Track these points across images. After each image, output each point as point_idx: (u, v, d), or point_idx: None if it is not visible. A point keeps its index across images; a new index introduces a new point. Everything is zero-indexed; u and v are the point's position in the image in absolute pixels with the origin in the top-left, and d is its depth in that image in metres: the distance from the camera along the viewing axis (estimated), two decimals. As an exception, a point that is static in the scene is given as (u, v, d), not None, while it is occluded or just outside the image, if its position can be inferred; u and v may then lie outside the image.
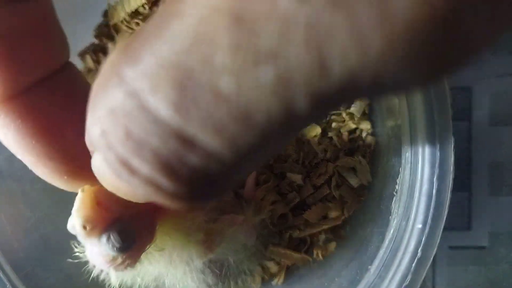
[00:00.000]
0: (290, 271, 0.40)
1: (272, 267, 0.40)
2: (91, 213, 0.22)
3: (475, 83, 0.39)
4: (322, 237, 0.40)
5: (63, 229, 0.22)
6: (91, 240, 0.22)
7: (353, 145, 0.39)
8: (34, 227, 0.35)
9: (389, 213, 0.31)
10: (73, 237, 0.23)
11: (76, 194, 0.22)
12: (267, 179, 0.40)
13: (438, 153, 0.27)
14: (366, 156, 0.39)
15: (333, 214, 0.39)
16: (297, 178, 0.40)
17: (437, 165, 0.27)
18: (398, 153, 0.31)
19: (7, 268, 0.32)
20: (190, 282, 0.28)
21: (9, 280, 0.31)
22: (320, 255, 0.39)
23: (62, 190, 0.22)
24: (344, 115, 0.39)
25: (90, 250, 0.24)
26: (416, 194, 0.28)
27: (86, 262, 0.25)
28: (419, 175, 0.28)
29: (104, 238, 0.22)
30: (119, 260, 0.23)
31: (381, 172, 0.37)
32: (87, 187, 0.22)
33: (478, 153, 0.39)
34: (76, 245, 0.25)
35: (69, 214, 0.22)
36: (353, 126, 0.39)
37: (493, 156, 0.39)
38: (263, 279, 0.40)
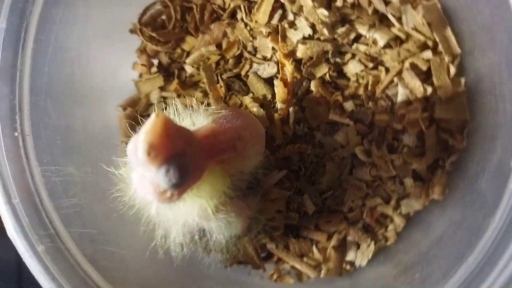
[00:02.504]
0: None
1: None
2: (158, 140, 0.22)
3: None
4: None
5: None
6: (148, 168, 0.22)
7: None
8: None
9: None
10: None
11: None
12: (289, 188, 0.40)
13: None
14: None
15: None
16: (309, 205, 0.41)
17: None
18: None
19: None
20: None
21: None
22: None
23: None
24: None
25: (140, 177, 0.24)
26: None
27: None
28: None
29: (163, 170, 0.22)
30: (168, 194, 0.23)
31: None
32: (161, 112, 0.22)
33: None
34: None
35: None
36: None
37: None
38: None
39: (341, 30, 0.40)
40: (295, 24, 0.41)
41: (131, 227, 0.33)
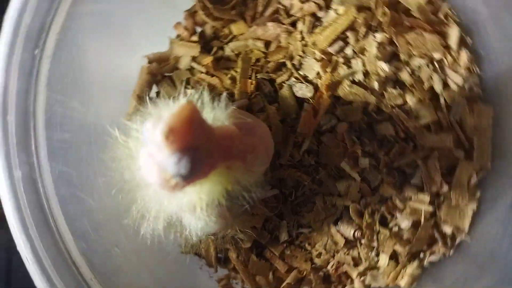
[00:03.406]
0: None
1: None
2: (182, 127, 0.21)
3: None
4: None
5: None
6: (161, 150, 0.21)
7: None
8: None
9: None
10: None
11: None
12: (273, 209, 0.41)
13: None
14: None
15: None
16: (284, 233, 0.42)
17: None
18: None
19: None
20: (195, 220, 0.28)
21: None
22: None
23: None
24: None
25: (149, 155, 0.23)
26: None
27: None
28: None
29: (175, 157, 0.21)
30: (172, 182, 0.23)
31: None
32: (193, 101, 0.22)
33: None
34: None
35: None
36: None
37: None
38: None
39: (391, 90, 0.38)
40: (350, 63, 0.39)
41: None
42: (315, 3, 0.40)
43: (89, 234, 0.36)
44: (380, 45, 0.38)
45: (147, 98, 0.44)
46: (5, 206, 0.33)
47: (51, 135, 0.37)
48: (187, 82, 0.44)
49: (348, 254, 0.41)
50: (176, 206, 0.27)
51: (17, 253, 0.33)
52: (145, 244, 0.35)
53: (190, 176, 0.22)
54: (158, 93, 0.45)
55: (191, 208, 0.27)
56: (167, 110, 0.22)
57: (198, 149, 0.22)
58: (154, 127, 0.21)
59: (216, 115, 0.29)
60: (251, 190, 0.32)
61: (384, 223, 0.39)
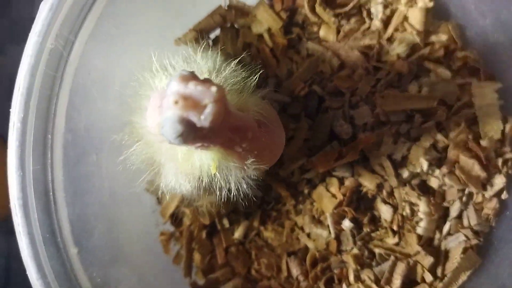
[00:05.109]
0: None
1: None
2: (196, 104, 0.21)
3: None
4: None
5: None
6: (169, 107, 0.21)
7: None
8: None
9: None
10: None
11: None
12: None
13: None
14: None
15: None
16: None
17: None
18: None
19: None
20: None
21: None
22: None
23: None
24: None
25: (158, 98, 0.24)
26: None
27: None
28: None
29: (173, 120, 0.21)
30: (158, 131, 0.23)
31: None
32: (224, 92, 0.22)
33: None
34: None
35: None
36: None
37: None
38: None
39: (407, 189, 0.38)
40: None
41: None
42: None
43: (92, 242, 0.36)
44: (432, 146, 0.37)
45: (206, 37, 0.42)
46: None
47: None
48: (248, 46, 0.42)
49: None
50: (165, 155, 0.28)
51: (15, 260, 0.32)
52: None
53: (175, 143, 0.22)
54: (215, 40, 0.43)
55: (204, 170, 0.28)
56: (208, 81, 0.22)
57: (198, 130, 0.22)
58: (176, 84, 0.21)
59: (248, 97, 0.29)
60: (235, 181, 0.32)
61: None
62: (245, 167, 0.28)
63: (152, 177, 0.35)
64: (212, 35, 0.43)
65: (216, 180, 0.29)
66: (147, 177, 0.39)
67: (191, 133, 0.22)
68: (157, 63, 0.28)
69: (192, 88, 0.22)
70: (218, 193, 0.31)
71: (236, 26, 0.43)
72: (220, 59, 0.29)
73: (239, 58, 0.29)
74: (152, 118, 0.25)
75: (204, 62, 0.29)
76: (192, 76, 0.22)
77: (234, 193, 0.31)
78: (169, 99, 0.22)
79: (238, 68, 0.29)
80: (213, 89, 0.22)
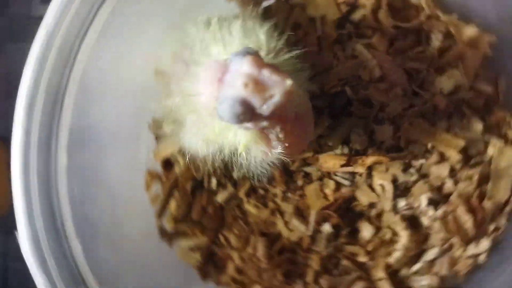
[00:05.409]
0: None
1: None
2: (263, 91, 0.21)
3: None
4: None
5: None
6: (231, 85, 0.21)
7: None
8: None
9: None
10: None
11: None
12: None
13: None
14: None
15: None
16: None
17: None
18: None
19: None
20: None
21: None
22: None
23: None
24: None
25: (215, 79, 0.23)
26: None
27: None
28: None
29: (234, 100, 0.21)
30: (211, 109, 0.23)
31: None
32: (293, 87, 0.22)
33: None
34: None
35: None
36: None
37: None
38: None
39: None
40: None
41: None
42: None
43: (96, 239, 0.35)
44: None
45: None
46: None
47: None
48: (298, 26, 0.41)
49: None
50: (226, 138, 0.27)
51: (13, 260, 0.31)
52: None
53: (225, 119, 0.22)
54: (266, 10, 0.41)
55: (235, 147, 0.28)
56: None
57: (255, 117, 0.22)
58: (255, 65, 0.21)
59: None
60: (254, 163, 0.32)
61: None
62: (269, 154, 0.29)
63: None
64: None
65: (236, 157, 0.29)
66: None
67: (247, 116, 0.22)
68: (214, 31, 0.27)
69: (267, 75, 0.21)
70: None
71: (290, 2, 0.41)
72: (281, 43, 0.28)
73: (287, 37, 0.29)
74: (206, 89, 0.24)
75: (267, 40, 0.28)
76: (265, 63, 0.22)
77: (249, 174, 0.31)
78: (237, 79, 0.21)
79: (293, 58, 0.28)
80: (288, 82, 0.21)
